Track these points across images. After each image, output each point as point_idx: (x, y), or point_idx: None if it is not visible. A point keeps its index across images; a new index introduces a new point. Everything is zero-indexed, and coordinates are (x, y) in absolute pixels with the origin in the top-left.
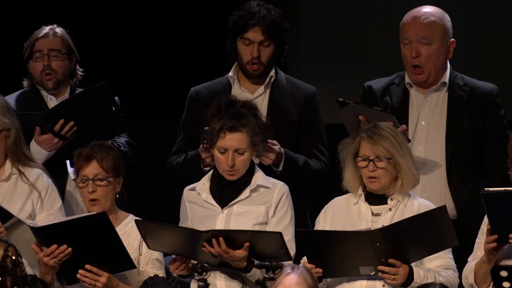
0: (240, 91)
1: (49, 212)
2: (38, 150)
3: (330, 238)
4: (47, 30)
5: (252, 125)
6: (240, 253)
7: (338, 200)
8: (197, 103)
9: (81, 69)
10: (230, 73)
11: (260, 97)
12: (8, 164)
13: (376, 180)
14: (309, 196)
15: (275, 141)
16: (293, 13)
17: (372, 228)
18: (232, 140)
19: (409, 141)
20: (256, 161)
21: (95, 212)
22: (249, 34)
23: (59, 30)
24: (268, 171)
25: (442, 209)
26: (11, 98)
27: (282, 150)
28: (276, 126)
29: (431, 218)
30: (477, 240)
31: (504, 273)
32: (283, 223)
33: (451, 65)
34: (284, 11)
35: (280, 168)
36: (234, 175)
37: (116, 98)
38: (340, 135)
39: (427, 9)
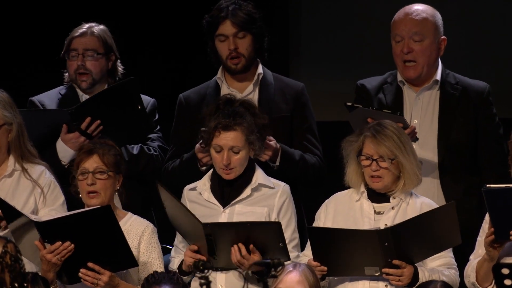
0: (229, 92)
1: (52, 207)
2: (64, 149)
3: (339, 236)
4: (84, 29)
5: (247, 123)
6: (254, 257)
7: (339, 196)
8: (187, 108)
9: (122, 66)
10: (218, 75)
11: (249, 96)
12: (11, 160)
13: (379, 179)
14: (303, 191)
15: (271, 137)
16: (295, 10)
17: (375, 226)
18: (227, 138)
19: (416, 139)
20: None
21: (99, 206)
22: (221, 29)
23: (97, 29)
24: (264, 166)
25: (451, 206)
26: (46, 96)
27: (278, 145)
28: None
29: (440, 215)
30: (478, 238)
31: (505, 271)
32: (289, 228)
33: (443, 64)
34: (287, 10)
35: (277, 163)
36: (230, 174)
37: (153, 100)
38: (342, 133)
39: (418, 6)
